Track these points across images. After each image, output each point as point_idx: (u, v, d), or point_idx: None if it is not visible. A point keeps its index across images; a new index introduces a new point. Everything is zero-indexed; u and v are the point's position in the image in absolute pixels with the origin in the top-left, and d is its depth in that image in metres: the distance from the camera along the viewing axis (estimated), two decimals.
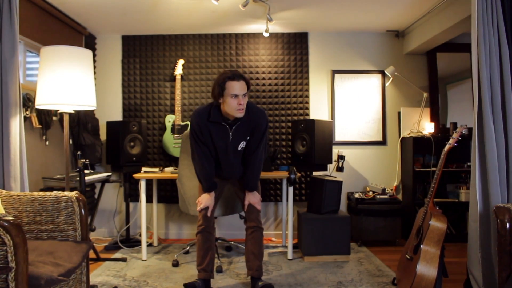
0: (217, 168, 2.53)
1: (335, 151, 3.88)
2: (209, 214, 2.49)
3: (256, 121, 2.39)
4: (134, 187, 3.99)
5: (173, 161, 4.00)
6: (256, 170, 2.50)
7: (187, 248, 3.46)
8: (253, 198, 2.53)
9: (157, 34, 4.03)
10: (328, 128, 3.54)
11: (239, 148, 2.43)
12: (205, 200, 2.49)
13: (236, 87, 2.21)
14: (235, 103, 2.22)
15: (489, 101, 2.21)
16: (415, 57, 4.08)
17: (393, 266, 3.03)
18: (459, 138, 2.28)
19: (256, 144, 2.45)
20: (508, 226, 1.87)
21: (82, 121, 3.69)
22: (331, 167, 3.85)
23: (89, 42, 3.95)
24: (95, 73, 3.96)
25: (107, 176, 3.55)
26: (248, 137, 2.43)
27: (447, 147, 2.29)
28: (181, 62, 3.92)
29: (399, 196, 3.98)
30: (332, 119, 4.03)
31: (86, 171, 3.18)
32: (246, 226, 2.60)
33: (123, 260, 3.21)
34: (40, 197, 2.06)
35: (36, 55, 3.25)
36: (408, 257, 2.34)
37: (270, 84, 4.01)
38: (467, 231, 2.39)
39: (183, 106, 3.98)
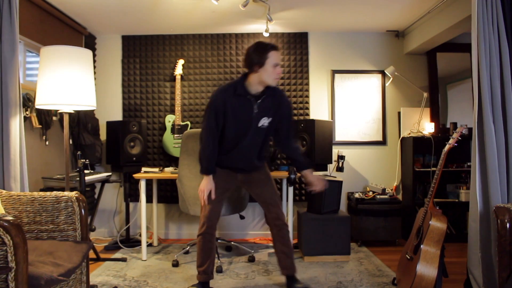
0: (229, 154, 2.43)
1: (335, 151, 3.88)
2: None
3: (280, 99, 2.41)
4: (134, 187, 3.99)
5: (173, 161, 4.00)
6: (299, 149, 2.48)
7: (187, 248, 3.46)
8: (319, 180, 2.44)
9: (157, 34, 4.03)
10: (328, 128, 3.54)
11: (259, 125, 2.36)
12: (206, 185, 2.39)
13: (278, 56, 2.28)
14: (275, 72, 2.27)
15: (489, 101, 2.21)
16: (415, 57, 4.08)
17: (393, 266, 3.03)
18: (459, 138, 2.28)
19: (287, 125, 2.46)
20: (508, 226, 1.87)
21: (82, 121, 3.69)
22: (331, 167, 3.85)
23: (89, 42, 3.95)
24: (95, 73, 3.96)
25: (107, 176, 3.55)
26: (271, 118, 2.38)
27: (447, 147, 2.29)
28: (181, 62, 3.92)
29: (399, 196, 3.98)
30: (332, 119, 4.03)
31: (86, 171, 3.18)
32: (270, 224, 2.52)
33: (123, 260, 3.21)
34: (40, 197, 2.06)
35: (36, 55, 3.25)
36: (408, 257, 2.34)
37: None
38: (467, 231, 2.39)
39: (183, 106, 3.98)
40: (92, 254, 3.13)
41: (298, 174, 3.48)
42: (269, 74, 2.26)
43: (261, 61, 2.24)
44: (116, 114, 4.06)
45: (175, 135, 3.83)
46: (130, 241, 3.70)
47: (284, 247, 2.49)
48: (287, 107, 2.46)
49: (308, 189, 2.50)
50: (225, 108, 2.31)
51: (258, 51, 2.26)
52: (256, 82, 2.30)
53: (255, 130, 2.37)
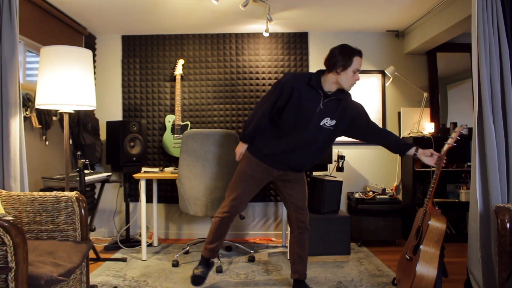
0: (283, 140, 2.37)
1: (335, 151, 3.87)
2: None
3: (346, 104, 2.39)
4: (134, 187, 3.99)
5: (173, 161, 4.00)
6: (391, 132, 2.46)
7: (187, 248, 3.46)
8: (432, 158, 2.29)
9: (157, 34, 4.03)
10: None
11: (321, 123, 2.33)
12: (239, 148, 2.49)
13: (360, 63, 2.30)
14: (354, 78, 2.29)
15: (489, 101, 2.21)
16: (415, 57, 4.08)
17: (393, 266, 3.03)
18: (458, 137, 2.27)
19: (364, 118, 2.45)
20: (508, 226, 1.87)
21: (82, 121, 3.69)
22: (331, 167, 3.84)
23: (89, 42, 3.95)
24: (95, 73, 3.96)
25: (107, 176, 3.55)
26: (335, 121, 2.35)
27: (446, 146, 2.28)
28: (181, 62, 3.92)
29: (399, 196, 3.98)
30: None
31: (86, 171, 3.18)
32: (293, 225, 2.52)
33: (123, 260, 3.21)
34: (40, 197, 2.06)
35: (36, 55, 3.25)
36: (408, 258, 2.33)
37: (270, 84, 4.00)
38: (467, 231, 2.39)
39: (183, 106, 3.98)
40: (92, 254, 3.13)
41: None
42: (348, 78, 2.28)
43: (345, 64, 2.25)
44: (116, 114, 4.06)
45: (175, 135, 3.83)
46: (130, 241, 3.69)
47: (301, 251, 2.49)
48: (356, 107, 2.44)
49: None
50: (291, 93, 2.31)
51: (344, 54, 2.26)
52: (332, 82, 2.31)
53: (316, 127, 2.33)
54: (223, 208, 2.47)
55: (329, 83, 2.32)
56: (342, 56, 2.25)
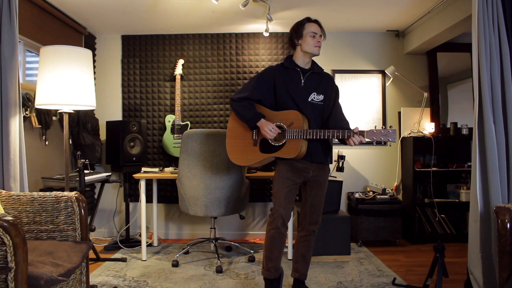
0: None
1: (335, 151, 3.88)
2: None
3: (327, 80, 2.48)
4: (134, 187, 3.99)
5: (173, 161, 4.00)
6: (344, 119, 2.43)
7: (187, 248, 3.46)
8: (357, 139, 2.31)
9: (157, 34, 4.02)
10: None
11: (309, 99, 2.36)
12: (266, 127, 2.27)
13: (315, 27, 2.40)
14: (314, 40, 2.37)
15: (489, 101, 2.21)
16: (416, 57, 4.08)
17: (393, 266, 3.03)
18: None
19: (333, 102, 2.44)
20: (508, 226, 1.87)
21: (82, 121, 3.69)
22: (331, 167, 3.84)
23: (89, 42, 3.95)
24: (95, 73, 3.96)
25: (107, 176, 3.55)
26: (322, 95, 2.39)
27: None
28: (181, 62, 3.91)
29: (400, 196, 3.98)
30: None
31: (86, 171, 3.18)
32: (302, 225, 2.47)
33: (123, 260, 3.21)
34: (39, 197, 2.05)
35: (35, 55, 3.25)
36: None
37: None
38: (467, 231, 2.38)
39: (183, 106, 3.98)
40: (92, 254, 3.12)
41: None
42: (308, 43, 2.37)
43: (299, 33, 2.38)
44: (116, 114, 4.05)
45: (175, 135, 3.83)
46: (130, 241, 3.69)
47: (306, 251, 2.48)
48: (336, 90, 2.49)
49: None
50: (274, 83, 2.39)
51: (296, 26, 2.42)
52: (301, 55, 2.42)
53: (309, 104, 2.36)
54: (271, 220, 2.33)
55: (300, 58, 2.42)
56: (295, 28, 2.41)
